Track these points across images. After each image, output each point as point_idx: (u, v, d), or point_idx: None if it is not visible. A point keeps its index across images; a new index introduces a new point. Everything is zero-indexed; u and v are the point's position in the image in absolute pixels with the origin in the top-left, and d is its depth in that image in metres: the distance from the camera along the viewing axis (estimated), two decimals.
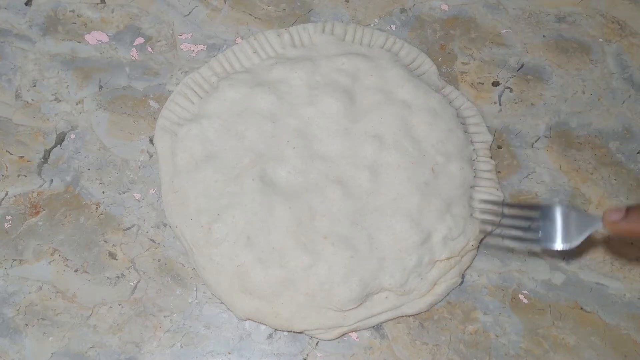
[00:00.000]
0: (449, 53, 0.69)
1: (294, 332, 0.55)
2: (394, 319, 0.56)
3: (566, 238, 0.50)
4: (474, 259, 0.59)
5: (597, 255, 0.60)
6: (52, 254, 0.57)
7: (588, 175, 0.63)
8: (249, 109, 0.60)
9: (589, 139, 0.65)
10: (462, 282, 0.58)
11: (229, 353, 0.55)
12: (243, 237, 0.55)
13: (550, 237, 0.50)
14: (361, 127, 0.60)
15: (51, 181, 0.60)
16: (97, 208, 0.59)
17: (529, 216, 0.52)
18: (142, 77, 0.65)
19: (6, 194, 0.59)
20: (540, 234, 0.51)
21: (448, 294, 0.57)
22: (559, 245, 0.50)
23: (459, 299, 0.57)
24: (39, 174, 0.60)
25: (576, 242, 0.49)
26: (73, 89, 0.64)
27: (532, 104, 0.66)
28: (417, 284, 0.56)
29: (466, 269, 0.58)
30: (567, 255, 0.59)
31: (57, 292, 0.56)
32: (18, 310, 0.55)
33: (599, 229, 0.48)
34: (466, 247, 0.57)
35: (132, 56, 0.66)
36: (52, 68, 0.65)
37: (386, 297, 0.56)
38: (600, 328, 0.57)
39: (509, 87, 0.67)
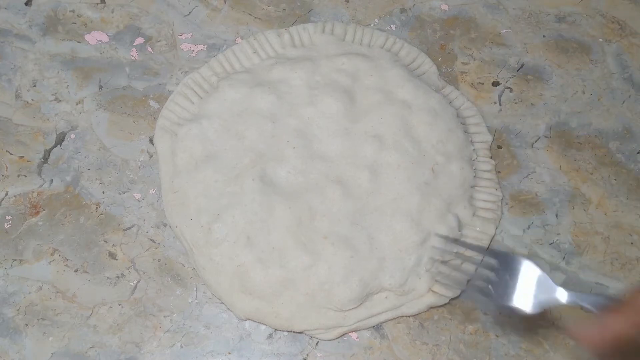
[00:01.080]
0: (449, 53, 0.69)
1: (294, 332, 0.55)
2: (394, 319, 0.56)
3: (522, 299, 0.47)
4: None
5: (597, 255, 0.60)
6: (52, 254, 0.57)
7: (588, 175, 0.63)
8: (249, 109, 0.60)
9: (589, 139, 0.65)
10: None
11: (229, 353, 0.55)
12: (243, 237, 0.55)
13: (509, 296, 0.47)
14: (361, 127, 0.60)
15: (51, 181, 0.60)
16: (97, 208, 0.59)
17: (494, 269, 0.49)
18: (142, 77, 0.65)
19: (6, 194, 0.59)
20: (499, 291, 0.48)
21: None
22: (510, 302, 0.47)
23: (459, 298, 0.57)
24: (39, 174, 0.60)
25: (536, 309, 0.46)
26: (73, 89, 0.64)
27: (532, 104, 0.66)
28: (417, 284, 0.56)
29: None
30: (567, 255, 0.59)
31: (57, 292, 0.56)
32: (18, 310, 0.55)
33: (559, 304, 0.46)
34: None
35: (132, 56, 0.66)
36: (52, 68, 0.65)
37: (386, 297, 0.56)
38: None
39: (509, 87, 0.67)
